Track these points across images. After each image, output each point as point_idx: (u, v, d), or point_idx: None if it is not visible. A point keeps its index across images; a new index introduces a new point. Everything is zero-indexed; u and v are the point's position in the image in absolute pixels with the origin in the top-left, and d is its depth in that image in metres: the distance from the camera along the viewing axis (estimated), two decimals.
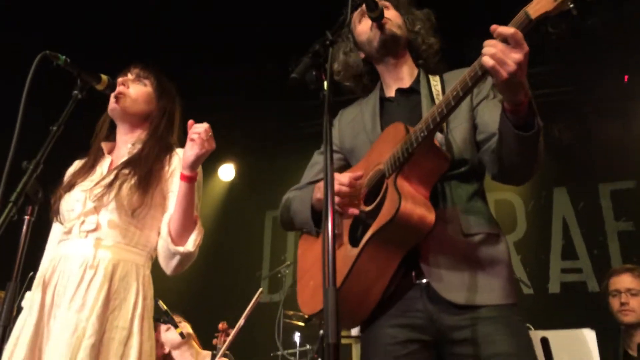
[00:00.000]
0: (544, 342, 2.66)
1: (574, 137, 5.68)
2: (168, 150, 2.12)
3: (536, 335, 2.69)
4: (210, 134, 1.87)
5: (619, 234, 5.46)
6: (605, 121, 5.58)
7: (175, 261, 1.96)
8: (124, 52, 4.63)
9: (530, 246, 5.71)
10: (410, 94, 1.92)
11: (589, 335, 2.77)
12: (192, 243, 1.94)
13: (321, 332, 4.23)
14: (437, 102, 1.77)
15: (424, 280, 1.68)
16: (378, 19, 1.87)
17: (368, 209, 1.72)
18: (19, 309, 1.90)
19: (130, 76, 2.17)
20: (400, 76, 1.97)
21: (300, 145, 5.96)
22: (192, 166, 1.89)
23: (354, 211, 1.69)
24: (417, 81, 1.93)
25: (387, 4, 1.96)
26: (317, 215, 1.84)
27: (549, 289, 5.53)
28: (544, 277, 5.56)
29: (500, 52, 1.38)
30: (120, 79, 2.12)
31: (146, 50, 4.85)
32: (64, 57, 1.75)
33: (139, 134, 2.15)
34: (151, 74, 2.20)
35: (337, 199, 1.67)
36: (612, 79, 5.50)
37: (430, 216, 1.61)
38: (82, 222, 1.95)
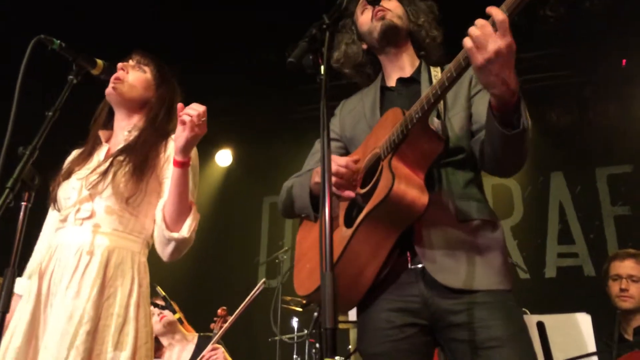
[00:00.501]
0: (540, 326, 2.69)
1: (571, 121, 5.68)
2: (164, 137, 2.11)
3: (532, 319, 2.71)
4: (204, 118, 1.81)
5: (615, 218, 5.48)
6: (603, 105, 5.58)
7: (170, 247, 1.94)
8: (123, 39, 4.60)
9: (527, 231, 5.73)
10: (410, 83, 1.93)
11: (585, 320, 2.79)
12: (186, 229, 1.91)
13: (315, 314, 4.24)
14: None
15: (420, 265, 1.69)
16: (376, 2, 1.87)
17: (363, 191, 1.73)
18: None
19: (130, 62, 2.17)
20: (401, 65, 1.97)
21: (298, 130, 5.95)
22: (184, 151, 1.84)
23: (349, 194, 1.69)
24: (418, 71, 1.94)
25: None
26: (316, 200, 1.86)
27: (545, 274, 5.56)
28: (541, 262, 5.59)
29: (482, 35, 1.35)
30: (120, 64, 2.12)
31: (144, 37, 4.82)
32: (58, 41, 1.74)
33: (136, 121, 2.14)
34: (151, 62, 2.19)
35: (334, 179, 1.68)
36: (610, 63, 5.48)
37: (424, 198, 1.61)
38: (78, 210, 1.94)
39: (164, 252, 1.97)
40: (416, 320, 1.68)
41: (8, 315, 1.54)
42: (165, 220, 1.92)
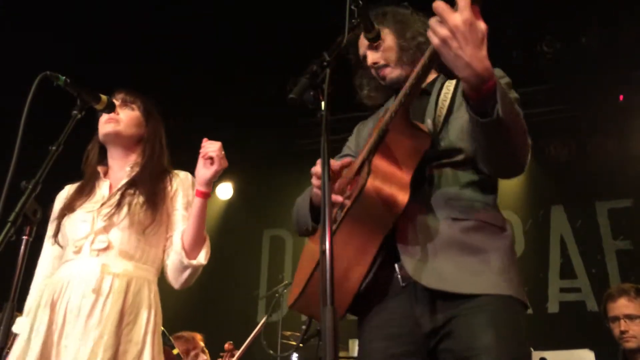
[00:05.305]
0: None
1: (570, 155, 5.71)
2: (166, 172, 2.19)
3: (535, 355, 2.68)
4: (223, 152, 2.00)
5: (617, 252, 5.45)
6: (602, 139, 5.62)
7: (186, 274, 2.06)
8: (125, 73, 4.68)
9: (528, 265, 5.69)
10: (422, 96, 1.86)
11: (588, 356, 2.76)
12: (203, 256, 2.05)
13: (303, 327, 4.10)
14: (440, 102, 1.77)
15: (406, 283, 1.62)
16: (374, 39, 1.88)
17: (349, 193, 1.70)
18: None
19: (116, 102, 2.17)
20: None
21: (298, 164, 5.95)
22: (209, 183, 2.02)
23: (336, 198, 1.63)
24: (431, 84, 1.89)
25: (384, 29, 1.89)
26: (314, 211, 1.82)
27: (548, 309, 5.50)
28: (543, 297, 5.53)
29: (439, 14, 1.31)
30: None
31: (145, 71, 4.89)
32: (64, 77, 1.77)
33: (134, 158, 2.20)
34: (137, 98, 2.24)
35: (318, 182, 1.66)
36: (608, 98, 5.54)
37: (402, 195, 1.56)
38: (92, 242, 1.98)
39: (179, 279, 2.07)
40: (408, 347, 1.62)
41: None
42: (185, 248, 2.03)
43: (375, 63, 1.90)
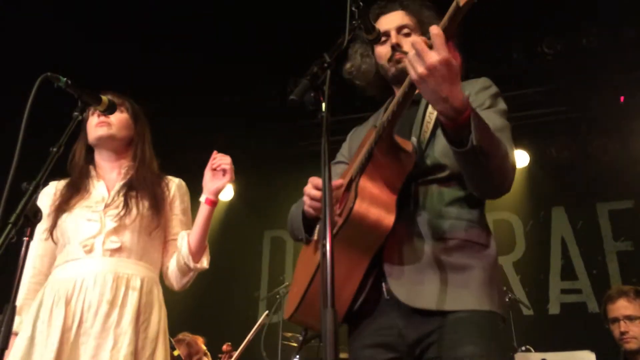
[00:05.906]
0: None
1: (571, 156, 5.71)
2: (160, 176, 2.25)
3: (536, 357, 2.67)
4: (232, 165, 2.16)
5: (618, 254, 5.45)
6: (602, 141, 5.62)
7: (188, 277, 2.17)
8: (125, 72, 4.67)
9: (529, 266, 5.69)
10: (413, 104, 1.85)
11: (589, 358, 2.76)
12: (205, 261, 2.16)
13: (300, 336, 4.11)
14: (427, 115, 1.77)
15: (388, 297, 1.64)
16: (375, 41, 1.87)
17: (339, 212, 1.71)
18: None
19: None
20: None
21: (299, 164, 5.97)
22: (219, 193, 2.16)
23: None
24: None
25: (411, 26, 1.89)
26: (307, 221, 1.84)
27: (549, 310, 5.50)
28: (544, 298, 5.53)
29: (416, 51, 1.35)
30: (99, 111, 2.12)
31: (145, 71, 4.89)
32: (65, 79, 1.76)
33: (128, 161, 2.23)
34: (125, 100, 2.26)
35: (310, 202, 1.68)
36: (608, 99, 5.54)
37: (389, 218, 1.57)
38: (104, 242, 2.02)
39: (181, 281, 2.18)
40: (394, 355, 1.63)
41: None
42: (191, 252, 2.12)
43: (399, 45, 1.87)
